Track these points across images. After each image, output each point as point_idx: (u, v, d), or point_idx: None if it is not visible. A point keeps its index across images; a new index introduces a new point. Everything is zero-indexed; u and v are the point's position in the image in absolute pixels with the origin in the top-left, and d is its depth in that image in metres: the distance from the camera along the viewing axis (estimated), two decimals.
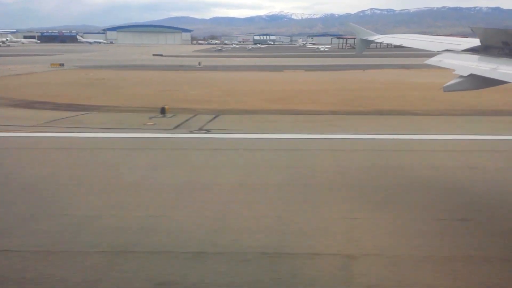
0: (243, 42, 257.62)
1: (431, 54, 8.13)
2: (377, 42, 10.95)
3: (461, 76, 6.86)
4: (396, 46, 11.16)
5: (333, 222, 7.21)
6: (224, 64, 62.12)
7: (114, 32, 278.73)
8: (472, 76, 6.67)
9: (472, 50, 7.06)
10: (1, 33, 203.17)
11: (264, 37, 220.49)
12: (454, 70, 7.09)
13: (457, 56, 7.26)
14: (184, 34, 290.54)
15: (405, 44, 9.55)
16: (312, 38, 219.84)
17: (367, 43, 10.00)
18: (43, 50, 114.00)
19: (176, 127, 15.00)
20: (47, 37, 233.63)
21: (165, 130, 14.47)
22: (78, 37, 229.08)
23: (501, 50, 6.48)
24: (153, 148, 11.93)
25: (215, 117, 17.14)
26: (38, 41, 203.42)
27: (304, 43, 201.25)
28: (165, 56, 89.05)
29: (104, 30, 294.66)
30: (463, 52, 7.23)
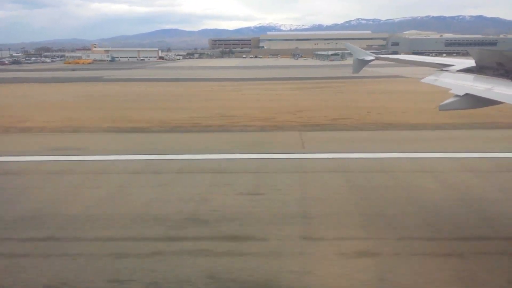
0: None
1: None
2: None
3: (457, 96, 6.99)
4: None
5: None
6: None
7: None
8: (467, 96, 6.80)
9: (468, 71, 7.22)
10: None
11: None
12: (450, 89, 7.24)
13: (452, 76, 7.40)
14: None
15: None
16: None
17: (364, 62, 10.13)
18: None
19: None
20: None
21: None
22: None
23: (496, 70, 6.63)
24: None
25: None
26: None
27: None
28: None
29: None
30: (459, 72, 7.38)
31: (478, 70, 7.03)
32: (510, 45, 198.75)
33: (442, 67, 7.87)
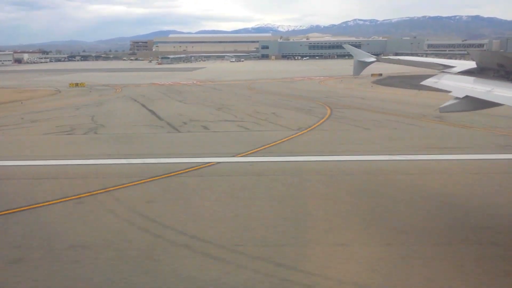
0: None
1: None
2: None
3: (457, 98, 6.99)
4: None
5: None
6: None
7: None
8: (467, 98, 6.80)
9: (469, 72, 7.21)
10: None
11: None
12: (450, 92, 7.23)
13: (453, 78, 7.39)
14: None
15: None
16: None
17: (365, 64, 10.08)
18: None
19: None
20: None
21: None
22: None
23: (497, 72, 6.63)
24: None
25: None
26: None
27: None
28: None
29: None
30: (460, 74, 7.37)
31: (479, 72, 7.03)
32: (372, 47, 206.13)
33: (443, 68, 7.87)
